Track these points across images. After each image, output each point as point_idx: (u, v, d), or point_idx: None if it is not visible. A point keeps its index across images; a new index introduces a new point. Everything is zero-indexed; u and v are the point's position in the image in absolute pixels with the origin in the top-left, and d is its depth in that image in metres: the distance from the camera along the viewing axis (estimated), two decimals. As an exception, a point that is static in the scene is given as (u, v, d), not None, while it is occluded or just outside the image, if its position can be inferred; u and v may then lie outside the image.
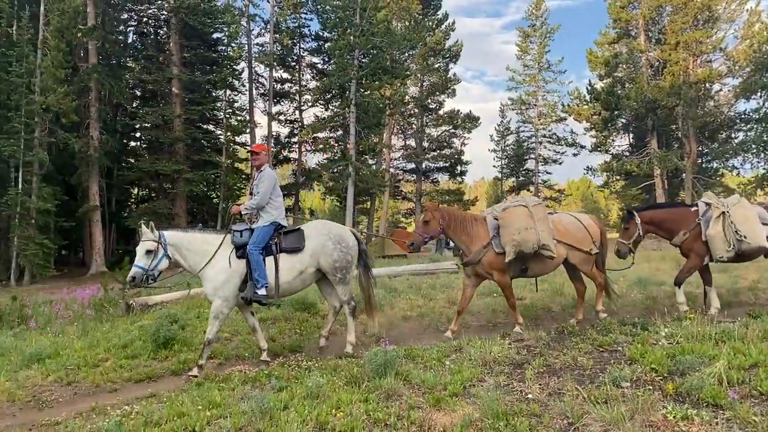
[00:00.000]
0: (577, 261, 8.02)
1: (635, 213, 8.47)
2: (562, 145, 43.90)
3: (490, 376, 5.41)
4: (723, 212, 8.02)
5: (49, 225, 25.32)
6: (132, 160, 33.70)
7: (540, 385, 5.05)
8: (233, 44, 33.41)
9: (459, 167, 43.55)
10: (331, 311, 7.78)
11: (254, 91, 37.82)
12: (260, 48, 38.57)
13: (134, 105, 33.41)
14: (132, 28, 34.89)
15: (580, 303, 8.40)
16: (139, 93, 34.49)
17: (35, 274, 24.29)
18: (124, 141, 34.02)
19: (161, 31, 33.38)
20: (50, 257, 24.65)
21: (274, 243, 7.05)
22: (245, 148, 37.32)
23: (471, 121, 42.85)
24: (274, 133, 38.64)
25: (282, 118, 39.50)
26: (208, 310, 7.89)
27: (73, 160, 27.42)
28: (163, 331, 8.22)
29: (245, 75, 36.77)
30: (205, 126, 33.58)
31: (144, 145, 34.64)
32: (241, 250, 6.93)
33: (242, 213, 7.31)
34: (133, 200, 36.77)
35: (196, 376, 6.61)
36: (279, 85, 39.36)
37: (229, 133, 33.31)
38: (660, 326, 6.70)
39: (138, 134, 34.88)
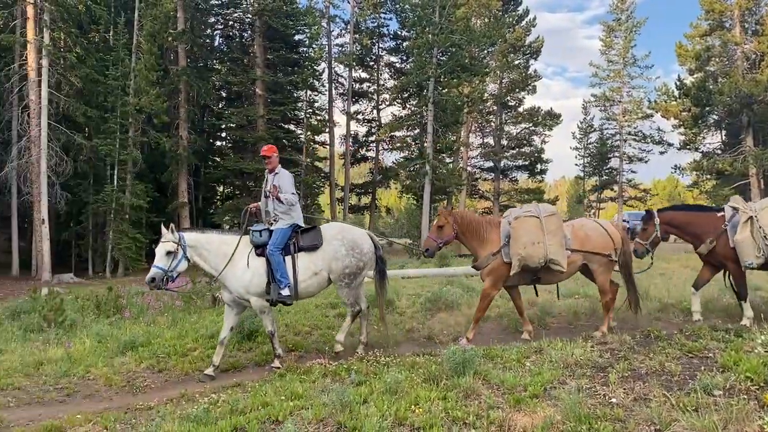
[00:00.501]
0: (596, 266, 7.75)
1: (655, 213, 8.19)
2: (648, 143, 42.18)
3: (571, 378, 5.29)
4: (751, 217, 7.60)
5: (141, 220, 26.63)
6: (218, 159, 34.99)
7: (624, 389, 4.89)
8: (314, 45, 34.08)
9: (539, 165, 42.65)
10: (362, 316, 7.70)
11: (333, 91, 38.49)
12: (340, 48, 39.24)
13: (220, 106, 34.68)
14: (218, 32, 36.23)
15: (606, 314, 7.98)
16: (224, 94, 35.77)
17: (128, 266, 25.64)
18: (211, 140, 35.37)
19: (246, 34, 34.48)
20: (142, 251, 25.90)
21: (292, 242, 7.13)
22: (324, 147, 38.08)
23: (552, 118, 41.87)
24: (352, 132, 39.21)
25: (360, 117, 40.02)
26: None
27: (164, 159, 28.74)
28: (248, 323, 8.53)
29: (325, 75, 37.49)
30: (286, 126, 34.42)
31: (229, 145, 35.87)
32: (259, 249, 7.01)
33: (281, 201, 7.16)
34: (218, 197, 38.19)
35: (279, 368, 6.79)
36: (357, 85, 39.87)
37: (309, 133, 34.04)
38: (756, 333, 6.35)
39: (223, 134, 36.16)
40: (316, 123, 34.85)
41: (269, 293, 6.93)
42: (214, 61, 35.42)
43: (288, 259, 7.00)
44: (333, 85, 38.44)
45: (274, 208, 7.26)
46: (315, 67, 33.99)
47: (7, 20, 25.95)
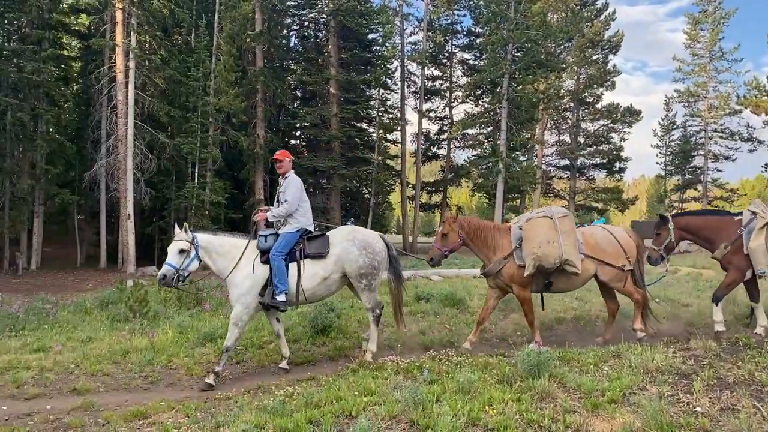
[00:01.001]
0: (607, 278, 7.51)
1: (669, 218, 7.85)
2: (735, 140, 39.96)
3: (652, 385, 5.09)
4: (767, 222, 7.23)
5: (220, 216, 27.55)
6: (292, 157, 35.67)
7: (710, 398, 4.68)
8: (387, 44, 34.26)
9: (617, 164, 41.23)
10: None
11: (406, 89, 38.54)
12: (413, 46, 39.25)
13: (295, 105, 35.42)
14: (294, 32, 36.97)
15: (610, 322, 7.99)
16: (299, 94, 36.51)
17: (207, 260, 26.53)
18: (286, 139, 36.17)
19: (320, 34, 35.04)
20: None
21: (299, 249, 6.97)
22: (396, 145, 38.22)
23: (631, 114, 40.38)
24: (424, 130, 39.17)
25: (432, 114, 39.90)
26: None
27: (241, 157, 29.62)
28: (321, 318, 8.67)
29: (398, 73, 37.60)
30: (358, 124, 34.76)
31: (303, 143, 36.58)
32: (266, 255, 6.87)
33: (269, 220, 7.15)
34: (292, 195, 38.92)
35: (212, 385, 6.61)
36: (430, 83, 39.77)
37: (381, 131, 34.26)
38: None
39: (298, 132, 36.91)
40: (388, 121, 35.03)
41: (263, 295, 6.86)
42: (290, 62, 36.20)
43: (293, 265, 6.88)
44: (405, 83, 38.51)
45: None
46: (388, 66, 34.18)
47: (97, 25, 27.41)
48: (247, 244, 6.98)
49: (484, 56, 35.94)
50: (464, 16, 42.77)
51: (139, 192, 25.52)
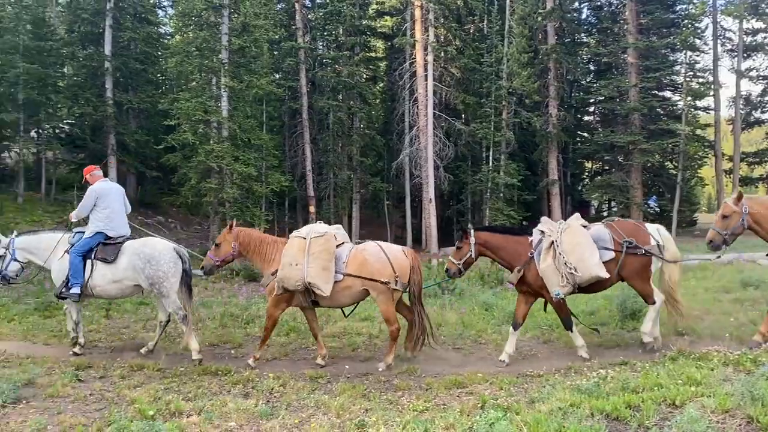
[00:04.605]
0: (374, 293, 7.04)
1: (471, 232, 7.23)
2: None
3: None
4: (553, 241, 6.75)
5: (513, 198, 27.98)
6: (586, 135, 34.44)
7: None
8: (695, 0, 30.69)
9: None
10: (158, 323, 8.07)
11: (719, 48, 34.00)
12: (726, -1, 34.45)
13: (588, 80, 34.01)
14: (586, 4, 35.37)
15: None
16: (592, 67, 34.89)
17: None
18: (579, 116, 34.95)
19: (615, 1, 32.92)
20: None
21: (96, 250, 7.68)
22: (707, 113, 34.19)
23: None
24: (743, 93, 34.19)
25: (753, 74, 34.54)
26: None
27: (534, 138, 29.55)
28: (630, 302, 8.27)
29: (708, 32, 33.45)
30: (661, 93, 31.87)
31: (597, 119, 34.92)
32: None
33: (72, 220, 8.11)
34: (587, 174, 37.60)
35: (78, 354, 7.75)
36: (750, 38, 34.42)
37: (689, 98, 30.86)
38: None
39: (591, 108, 35.37)
40: (697, 86, 31.33)
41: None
42: (582, 35, 34.78)
43: (89, 264, 7.64)
44: (718, 41, 33.96)
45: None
46: (696, 24, 30.57)
47: (399, 24, 29.82)
48: (60, 239, 8.00)
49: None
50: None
51: (439, 178, 27.15)
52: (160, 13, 31.52)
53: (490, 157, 27.64)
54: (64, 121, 26.46)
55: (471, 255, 7.19)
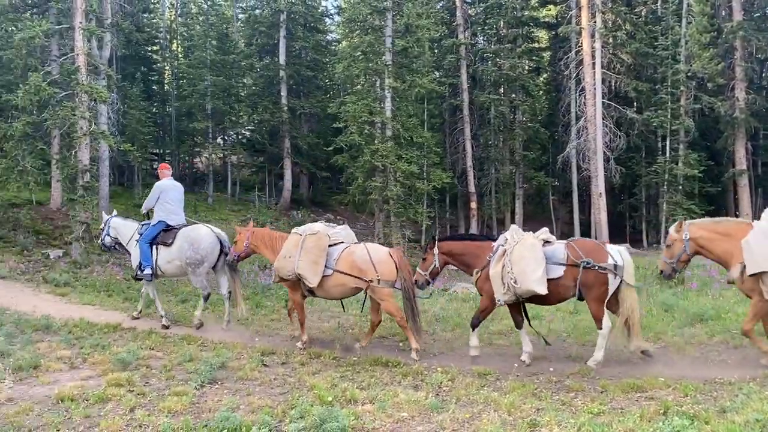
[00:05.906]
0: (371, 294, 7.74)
1: (435, 242, 7.73)
2: None
3: None
4: (505, 250, 7.05)
5: (694, 190, 25.76)
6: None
7: None
8: None
9: None
10: (225, 298, 9.25)
11: None
12: None
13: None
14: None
15: (369, 333, 8.15)
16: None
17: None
18: (772, 98, 31.30)
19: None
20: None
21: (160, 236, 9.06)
22: None
23: None
24: None
25: None
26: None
27: (717, 125, 26.95)
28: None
29: None
30: None
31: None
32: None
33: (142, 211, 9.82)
34: None
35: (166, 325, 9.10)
36: None
37: None
38: None
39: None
40: None
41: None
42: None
43: (155, 248, 8.99)
44: None
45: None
46: None
47: (563, 12, 28.71)
48: (135, 230, 9.55)
49: None
50: None
51: (609, 170, 25.74)
52: (328, 21, 33.21)
53: (667, 147, 25.70)
54: (246, 128, 28.89)
55: (436, 265, 7.68)
